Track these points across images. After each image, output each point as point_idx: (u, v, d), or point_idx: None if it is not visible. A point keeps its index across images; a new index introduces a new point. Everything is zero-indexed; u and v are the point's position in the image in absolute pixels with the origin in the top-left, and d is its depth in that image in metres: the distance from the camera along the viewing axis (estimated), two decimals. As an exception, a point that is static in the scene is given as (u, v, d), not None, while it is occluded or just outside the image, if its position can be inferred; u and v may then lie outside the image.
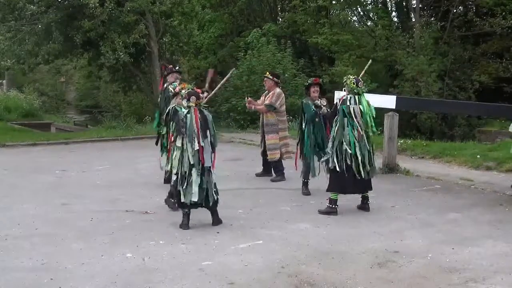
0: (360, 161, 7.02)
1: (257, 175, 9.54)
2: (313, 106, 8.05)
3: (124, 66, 17.73)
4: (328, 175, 7.26)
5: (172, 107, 6.66)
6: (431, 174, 9.71)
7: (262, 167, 9.59)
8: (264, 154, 9.40)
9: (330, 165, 7.10)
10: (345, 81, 7.22)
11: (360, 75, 7.43)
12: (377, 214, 7.19)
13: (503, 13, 19.50)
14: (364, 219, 6.95)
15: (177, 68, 8.74)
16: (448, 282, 4.92)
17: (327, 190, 7.21)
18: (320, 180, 7.77)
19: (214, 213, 6.60)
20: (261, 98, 9.51)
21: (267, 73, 9.64)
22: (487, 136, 16.94)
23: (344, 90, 7.26)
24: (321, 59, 24.47)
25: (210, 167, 6.43)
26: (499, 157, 10.36)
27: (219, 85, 7.30)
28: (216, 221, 6.58)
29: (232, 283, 4.87)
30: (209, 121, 6.44)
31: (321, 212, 7.13)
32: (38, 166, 10.78)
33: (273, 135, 9.13)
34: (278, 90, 9.23)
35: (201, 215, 6.67)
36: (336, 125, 7.11)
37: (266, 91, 9.41)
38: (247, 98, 9.57)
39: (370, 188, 7.35)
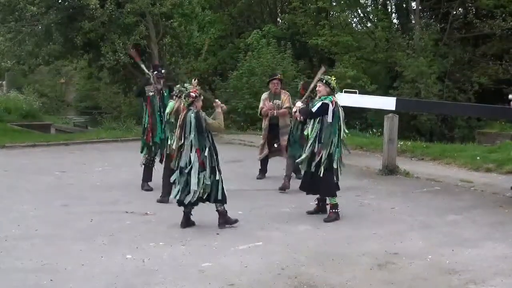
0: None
1: (258, 178, 9.56)
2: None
3: (124, 68, 17.70)
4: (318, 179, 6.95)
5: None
6: (431, 176, 9.71)
7: (262, 170, 9.61)
8: (267, 157, 9.42)
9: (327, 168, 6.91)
10: (332, 83, 7.00)
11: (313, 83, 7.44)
12: (377, 216, 7.19)
13: (503, 15, 19.54)
14: (364, 221, 6.95)
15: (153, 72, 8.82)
16: (448, 283, 4.92)
17: (330, 196, 6.99)
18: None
19: (219, 214, 6.59)
20: (266, 102, 9.21)
21: (280, 75, 9.58)
22: (487, 138, 16.95)
23: (335, 92, 7.10)
24: (321, 60, 24.48)
25: (181, 168, 6.49)
26: (499, 159, 10.37)
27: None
28: (220, 222, 6.57)
29: (232, 284, 4.87)
30: (187, 122, 6.48)
31: (329, 220, 6.88)
32: (38, 167, 10.78)
33: (287, 136, 9.10)
34: (286, 92, 9.30)
35: (201, 216, 6.68)
36: (329, 127, 6.87)
37: (270, 94, 9.27)
38: (276, 106, 9.08)
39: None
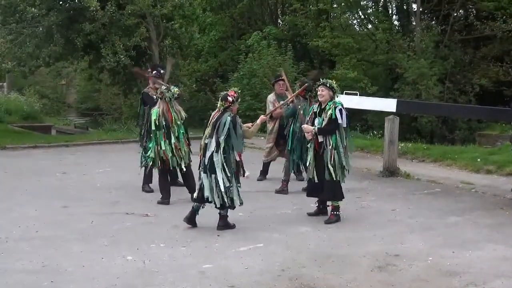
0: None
1: (259, 179, 9.57)
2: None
3: (124, 69, 17.71)
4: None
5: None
6: (431, 178, 9.71)
7: (263, 171, 9.61)
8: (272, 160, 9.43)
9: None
10: (335, 86, 6.99)
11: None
12: (377, 218, 7.19)
13: (504, 17, 19.51)
14: (365, 223, 6.95)
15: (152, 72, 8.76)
16: (449, 285, 4.92)
17: (337, 200, 7.00)
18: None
19: (221, 217, 6.59)
20: (276, 104, 8.98)
21: (284, 75, 9.37)
22: (487, 140, 16.93)
23: (336, 95, 7.08)
24: (322, 62, 24.49)
25: (204, 166, 6.47)
26: (500, 161, 10.37)
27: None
28: (220, 225, 6.56)
29: (232, 286, 4.87)
30: (221, 123, 6.42)
31: (329, 222, 6.88)
32: (38, 168, 10.78)
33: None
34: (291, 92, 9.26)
35: (202, 218, 6.68)
36: (345, 131, 6.92)
37: (276, 95, 9.20)
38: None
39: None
